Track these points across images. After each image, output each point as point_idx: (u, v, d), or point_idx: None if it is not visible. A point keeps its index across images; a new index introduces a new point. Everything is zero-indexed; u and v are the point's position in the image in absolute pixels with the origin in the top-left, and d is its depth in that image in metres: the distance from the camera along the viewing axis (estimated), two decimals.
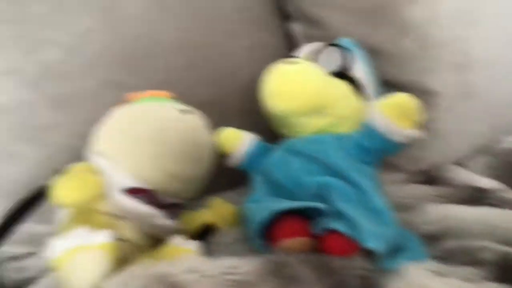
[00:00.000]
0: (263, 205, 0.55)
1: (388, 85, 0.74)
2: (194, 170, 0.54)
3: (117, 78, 0.67)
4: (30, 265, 0.60)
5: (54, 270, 0.45)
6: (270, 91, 0.59)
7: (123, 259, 0.48)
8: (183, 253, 0.49)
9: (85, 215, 0.50)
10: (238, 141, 0.64)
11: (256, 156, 0.63)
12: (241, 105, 0.76)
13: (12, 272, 0.59)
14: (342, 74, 0.62)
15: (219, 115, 0.72)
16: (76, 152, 0.58)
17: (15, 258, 0.61)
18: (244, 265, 0.47)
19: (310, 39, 0.76)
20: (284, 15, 0.86)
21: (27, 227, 0.61)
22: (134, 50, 0.69)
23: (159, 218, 0.52)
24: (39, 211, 0.59)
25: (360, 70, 0.65)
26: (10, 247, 0.61)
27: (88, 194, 0.49)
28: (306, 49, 0.66)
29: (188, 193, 0.56)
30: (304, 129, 0.60)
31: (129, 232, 0.51)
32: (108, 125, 0.55)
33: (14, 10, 0.64)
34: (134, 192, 0.51)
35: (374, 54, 0.72)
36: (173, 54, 0.71)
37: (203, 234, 0.56)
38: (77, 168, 0.52)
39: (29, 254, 0.61)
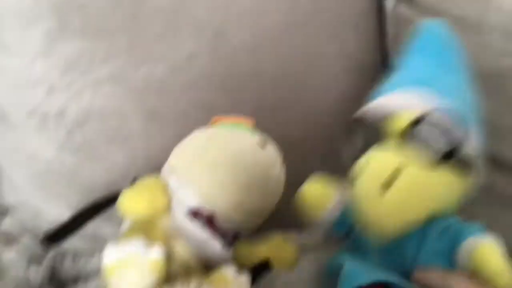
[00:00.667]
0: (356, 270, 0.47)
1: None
2: (262, 203, 0.53)
3: (209, 103, 0.69)
4: (89, 263, 0.62)
5: (104, 276, 0.46)
6: (366, 220, 0.48)
7: (170, 276, 0.48)
8: (232, 285, 0.47)
9: (145, 227, 0.50)
10: (326, 202, 0.54)
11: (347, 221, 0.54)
12: (324, 151, 0.74)
13: (70, 265, 0.62)
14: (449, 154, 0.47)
15: (301, 158, 0.72)
16: (158, 165, 0.60)
17: (77, 253, 0.63)
18: None
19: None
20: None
21: (95, 226, 0.64)
22: (232, 79, 0.70)
23: (214, 244, 0.51)
24: (110, 212, 0.62)
25: (474, 144, 0.50)
26: (75, 241, 0.65)
27: (153, 209, 0.50)
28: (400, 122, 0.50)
29: (249, 224, 0.55)
30: None
31: (182, 251, 0.51)
32: (186, 143, 0.56)
33: (131, 23, 0.67)
34: (195, 214, 0.51)
35: None
36: (269, 89, 0.72)
37: (258, 269, 0.54)
38: (148, 181, 0.53)
39: (91, 252, 0.64)
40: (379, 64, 0.84)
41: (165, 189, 0.52)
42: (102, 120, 0.66)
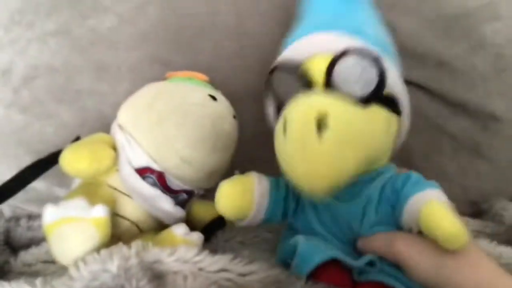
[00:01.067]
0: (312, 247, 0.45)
1: (453, 103, 0.70)
2: (210, 158, 0.51)
3: (164, 55, 0.66)
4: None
5: (45, 237, 0.44)
6: (302, 175, 0.42)
7: (120, 237, 0.46)
8: (181, 243, 0.46)
9: (93, 186, 0.49)
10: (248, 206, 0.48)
11: (278, 205, 0.49)
12: None
13: (24, 229, 0.60)
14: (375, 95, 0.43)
15: (262, 108, 0.70)
16: (111, 123, 0.58)
17: (30, 216, 0.62)
18: (250, 270, 0.45)
19: None
20: None
21: (47, 189, 0.63)
22: (186, 29, 0.67)
23: (164, 202, 0.50)
24: (61, 174, 0.61)
25: (395, 80, 0.46)
26: (28, 205, 0.64)
27: (95, 166, 0.47)
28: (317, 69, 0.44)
29: (200, 182, 0.53)
30: None
31: (132, 211, 0.50)
32: (134, 98, 0.53)
33: None
34: (143, 171, 0.49)
35: (443, 67, 0.68)
36: (225, 38, 0.69)
37: (212, 227, 0.54)
38: (93, 138, 0.51)
39: None
40: None
41: (110, 146, 0.50)
42: (50, 76, 0.64)
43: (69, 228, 0.42)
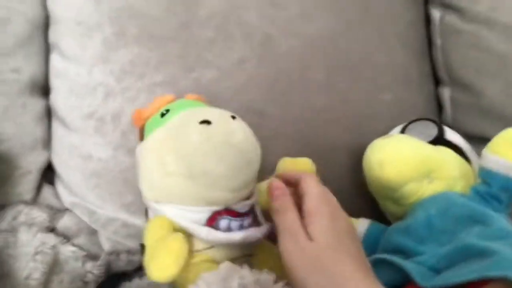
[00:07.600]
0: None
1: None
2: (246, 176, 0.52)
3: (258, 107, 0.71)
4: (140, 260, 0.64)
5: None
6: (378, 160, 0.60)
7: None
8: None
9: None
10: None
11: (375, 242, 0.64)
12: None
13: (124, 263, 0.64)
14: (439, 141, 0.63)
15: (350, 160, 0.73)
16: None
17: (129, 251, 0.66)
18: None
19: (456, 103, 0.77)
20: (437, 80, 0.86)
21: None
22: (280, 84, 0.72)
23: (254, 236, 0.51)
24: None
25: (453, 134, 0.66)
26: (128, 241, 0.68)
27: (181, 264, 0.46)
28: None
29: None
30: (415, 196, 0.60)
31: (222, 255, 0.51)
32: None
33: (184, 30, 0.70)
34: (212, 220, 0.50)
35: None
36: (316, 93, 0.73)
37: None
38: (156, 234, 0.49)
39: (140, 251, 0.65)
40: (427, 75, 0.84)
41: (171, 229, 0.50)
42: None
43: None
